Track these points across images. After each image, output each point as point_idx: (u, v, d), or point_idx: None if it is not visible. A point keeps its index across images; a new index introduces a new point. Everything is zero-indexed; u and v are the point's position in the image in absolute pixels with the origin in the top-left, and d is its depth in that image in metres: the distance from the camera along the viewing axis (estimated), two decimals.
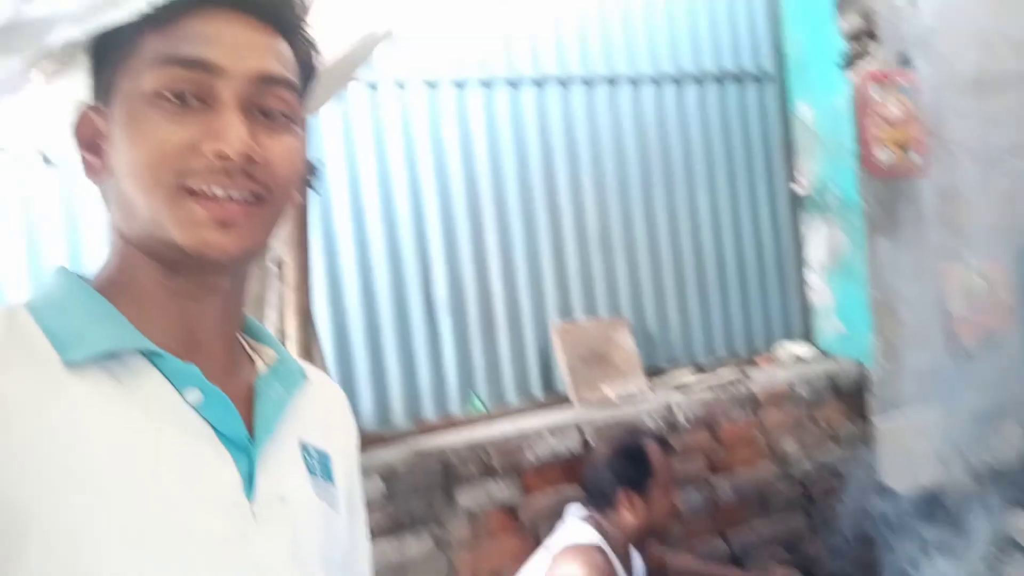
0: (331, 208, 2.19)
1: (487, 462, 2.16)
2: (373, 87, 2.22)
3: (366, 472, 1.98)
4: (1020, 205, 2.87)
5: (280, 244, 1.84)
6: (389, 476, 2.03)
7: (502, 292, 2.38)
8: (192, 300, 0.66)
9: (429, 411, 2.29)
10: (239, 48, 0.62)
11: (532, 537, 2.21)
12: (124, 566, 0.54)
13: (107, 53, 0.65)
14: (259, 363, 0.73)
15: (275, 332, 1.84)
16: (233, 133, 0.60)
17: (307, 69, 0.70)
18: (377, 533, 2.02)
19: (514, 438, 2.19)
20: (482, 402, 2.35)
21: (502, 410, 2.36)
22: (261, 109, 0.64)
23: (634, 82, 2.57)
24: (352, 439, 0.81)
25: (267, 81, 0.63)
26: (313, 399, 0.75)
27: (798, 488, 2.57)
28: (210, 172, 0.60)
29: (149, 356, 0.61)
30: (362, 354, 2.21)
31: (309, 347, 1.83)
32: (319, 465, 0.72)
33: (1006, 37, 2.83)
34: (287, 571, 0.64)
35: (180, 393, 0.61)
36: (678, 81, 2.64)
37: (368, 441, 2.15)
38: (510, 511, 2.19)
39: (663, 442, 2.01)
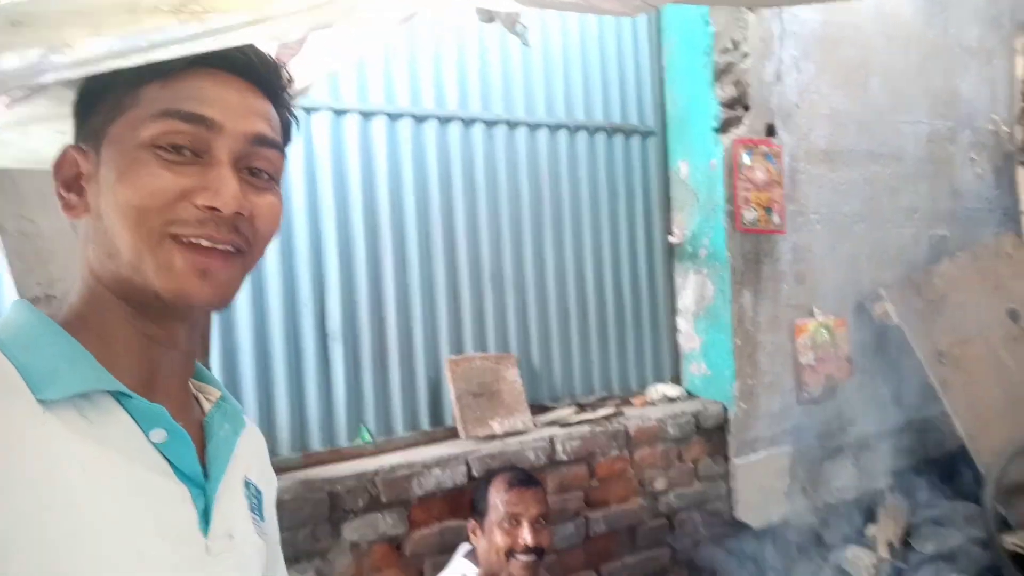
0: None
1: (374, 494, 2.24)
2: None
3: None
4: (860, 268, 3.36)
5: None
6: (276, 508, 2.07)
7: (396, 324, 2.48)
8: (157, 343, 0.71)
9: (316, 442, 2.34)
10: (237, 109, 0.69)
11: (416, 571, 2.31)
12: None
13: (101, 98, 0.69)
14: (203, 401, 0.80)
15: None
16: (227, 190, 0.66)
17: (287, 135, 0.78)
18: None
19: (402, 470, 2.28)
20: (371, 434, 2.43)
21: (390, 442, 2.45)
22: (249, 168, 0.70)
23: (531, 127, 2.79)
24: (273, 477, 0.90)
25: (259, 142, 0.71)
26: (249, 436, 0.83)
27: (664, 522, 2.84)
28: (199, 223, 0.66)
29: (117, 396, 0.66)
30: (251, 381, 2.23)
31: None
32: (255, 501, 0.81)
33: (854, 118, 3.34)
34: None
35: (144, 432, 0.66)
36: (571, 130, 2.89)
37: None
38: (395, 544, 2.29)
39: (515, 474, 2.07)
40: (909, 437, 3.51)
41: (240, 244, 0.69)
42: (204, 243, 0.66)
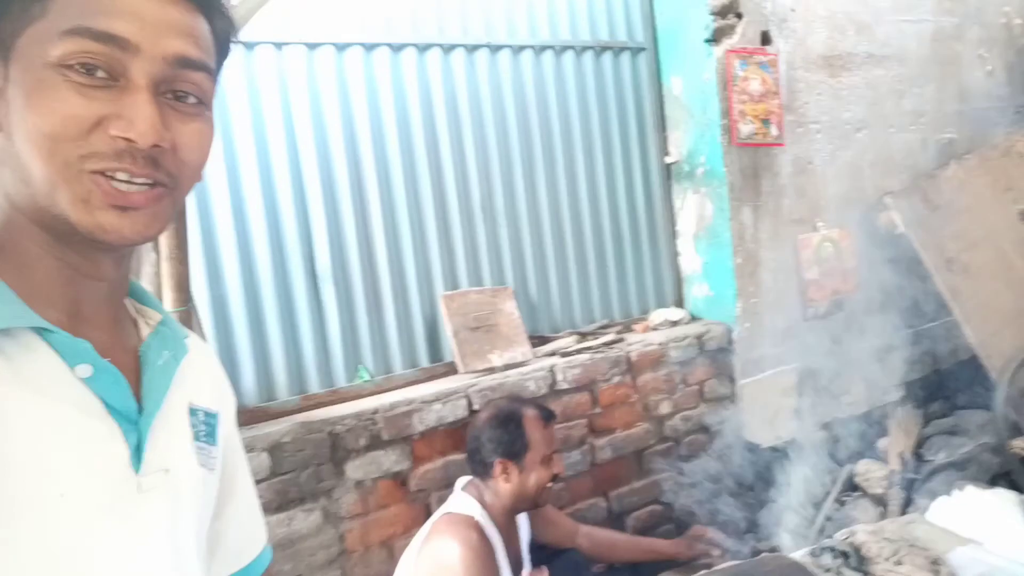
0: (206, 175, 2.19)
1: (375, 433, 2.27)
2: (249, 48, 2.23)
3: (251, 447, 2.05)
4: (863, 177, 3.30)
5: None
6: (275, 451, 2.10)
7: (387, 262, 2.47)
8: (81, 273, 0.67)
9: (315, 384, 2.36)
10: (156, 25, 0.63)
11: (422, 505, 2.36)
12: (13, 537, 0.57)
13: (7, 6, 0.62)
14: (143, 327, 0.76)
15: None
16: (143, 119, 0.61)
17: (224, 49, 0.71)
18: (265, 509, 2.10)
19: (402, 407, 2.31)
20: (369, 373, 2.45)
21: (389, 381, 2.47)
22: (173, 91, 0.65)
23: (514, 51, 2.72)
24: (229, 391, 0.88)
25: (183, 64, 0.64)
26: (194, 359, 0.80)
27: (671, 446, 2.87)
28: (115, 155, 0.61)
29: (39, 331, 0.62)
30: (243, 328, 2.24)
31: (188, 322, 1.86)
32: (205, 427, 0.78)
33: (853, 20, 3.23)
34: (167, 540, 0.69)
35: (70, 368, 0.63)
36: (557, 50, 2.81)
37: (253, 417, 2.21)
38: (399, 480, 2.33)
39: (543, 410, 2.12)
40: (918, 348, 3.50)
41: (161, 179, 0.64)
42: (121, 177, 0.61)
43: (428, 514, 2.35)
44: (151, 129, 0.61)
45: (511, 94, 2.72)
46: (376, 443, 2.28)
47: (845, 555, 1.69)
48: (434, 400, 2.37)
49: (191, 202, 2.12)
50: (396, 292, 2.50)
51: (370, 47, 2.44)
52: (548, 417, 2.11)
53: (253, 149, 2.25)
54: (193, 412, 0.77)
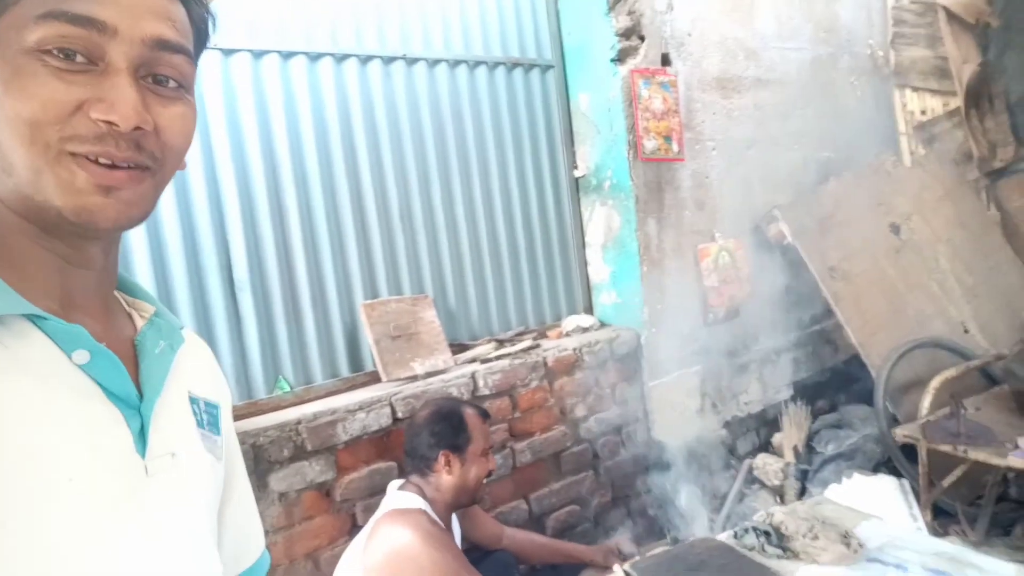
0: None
1: (299, 443, 2.24)
2: None
3: None
4: (754, 191, 3.55)
5: None
6: None
7: (306, 271, 2.46)
8: (70, 263, 0.67)
9: (234, 396, 2.31)
10: (134, 8, 0.62)
11: (347, 515, 2.35)
12: (20, 526, 0.56)
13: None
14: (137, 319, 0.77)
15: None
16: (124, 102, 0.61)
17: (201, 35, 0.72)
18: None
19: (325, 417, 2.29)
20: (289, 384, 2.42)
21: (310, 391, 2.45)
22: (152, 75, 0.65)
23: (430, 64, 2.78)
24: (226, 386, 0.89)
25: (162, 47, 0.64)
26: (192, 350, 0.81)
27: (586, 447, 2.98)
28: (96, 139, 0.61)
29: (33, 319, 0.62)
30: None
31: None
32: (207, 416, 0.79)
33: (743, 46, 3.49)
34: (177, 525, 0.69)
35: (67, 354, 0.63)
36: (470, 65, 2.89)
37: None
38: (324, 491, 2.30)
39: (480, 408, 2.22)
40: (806, 349, 3.79)
41: (143, 161, 0.64)
42: (104, 161, 0.61)
43: (354, 524, 2.34)
44: (133, 111, 0.61)
45: (427, 106, 2.77)
46: (300, 454, 2.25)
47: (767, 534, 1.83)
48: (358, 409, 2.36)
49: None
50: (315, 301, 2.49)
51: (287, 55, 2.44)
52: (484, 415, 2.21)
53: None
54: (193, 400, 0.77)
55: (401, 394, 2.45)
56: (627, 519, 3.04)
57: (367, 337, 2.53)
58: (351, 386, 2.53)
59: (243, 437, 2.14)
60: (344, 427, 2.32)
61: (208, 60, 2.28)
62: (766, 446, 3.55)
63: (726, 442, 3.43)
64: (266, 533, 2.11)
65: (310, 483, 2.27)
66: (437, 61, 2.79)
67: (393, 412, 2.43)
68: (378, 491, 2.34)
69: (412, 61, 2.73)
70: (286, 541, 2.22)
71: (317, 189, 2.50)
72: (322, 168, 2.51)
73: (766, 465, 3.32)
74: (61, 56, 0.60)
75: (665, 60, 3.17)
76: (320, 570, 2.26)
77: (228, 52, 2.32)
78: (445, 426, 2.11)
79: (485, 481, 2.17)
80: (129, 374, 0.67)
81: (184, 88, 0.68)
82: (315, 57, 2.50)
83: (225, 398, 0.86)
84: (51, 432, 0.60)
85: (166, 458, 0.69)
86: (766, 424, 3.61)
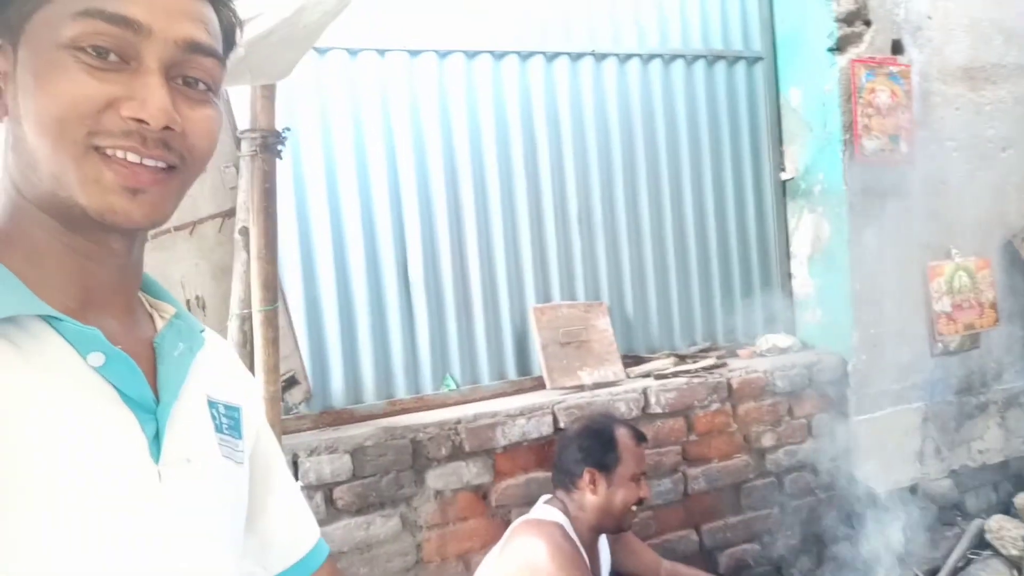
0: (304, 179, 2.26)
1: (458, 443, 2.25)
2: (352, 54, 2.29)
3: (334, 449, 2.08)
4: (1007, 200, 3.01)
5: (245, 212, 1.92)
6: (358, 454, 2.12)
7: (479, 272, 2.47)
8: (91, 259, 0.67)
9: (401, 390, 2.38)
10: (168, 10, 0.63)
11: (502, 521, 2.31)
12: (32, 528, 0.56)
13: None
14: (158, 320, 0.76)
15: (239, 303, 1.92)
16: (155, 100, 0.61)
17: (229, 40, 0.72)
18: (345, 512, 2.13)
19: (485, 419, 2.28)
20: (455, 383, 2.44)
21: (475, 391, 2.45)
22: (183, 77, 0.65)
23: (620, 59, 2.66)
24: (253, 386, 0.88)
25: (193, 49, 0.65)
26: (213, 353, 0.79)
27: (772, 481, 2.70)
28: (125, 136, 0.61)
29: (48, 319, 0.62)
30: (335, 331, 2.29)
31: (274, 318, 1.90)
32: (227, 420, 0.77)
33: (1001, 28, 2.96)
34: (190, 531, 0.67)
35: (82, 356, 0.63)
36: (666, 59, 2.73)
37: (339, 419, 2.25)
38: (480, 494, 2.29)
39: (636, 431, 2.08)
40: None
41: (171, 160, 0.64)
42: (130, 157, 0.62)
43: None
44: (163, 111, 0.62)
45: (615, 104, 2.66)
46: (458, 454, 2.25)
47: None
48: (519, 414, 2.32)
49: (289, 205, 2.19)
50: (487, 302, 2.49)
51: (471, 55, 2.45)
52: (640, 437, 2.07)
53: (352, 155, 2.31)
54: (212, 404, 0.76)
55: (564, 403, 2.37)
56: (816, 570, 2.71)
57: (535, 341, 2.47)
58: (517, 390, 2.50)
59: (404, 431, 2.19)
60: (503, 431, 2.30)
61: (394, 61, 2.35)
62: (1007, 507, 3.00)
63: (952, 496, 2.94)
64: (420, 528, 2.16)
65: (466, 484, 2.27)
66: (628, 56, 2.67)
67: (555, 421, 2.36)
68: (533, 500, 2.27)
69: (601, 57, 2.63)
70: (439, 539, 2.23)
71: (495, 189, 2.49)
72: (501, 167, 2.50)
73: (1003, 529, 2.80)
74: (94, 54, 0.60)
75: (896, 47, 2.78)
76: (470, 572, 2.25)
77: (414, 53, 2.38)
78: (594, 442, 2.01)
79: (635, 508, 2.02)
80: (146, 376, 0.67)
81: (212, 92, 0.69)
82: (499, 55, 2.49)
83: (252, 398, 0.85)
84: (63, 435, 0.59)
85: (180, 464, 0.68)
86: (1008, 479, 3.06)
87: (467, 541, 2.28)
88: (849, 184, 2.72)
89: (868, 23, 2.72)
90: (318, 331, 2.29)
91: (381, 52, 2.33)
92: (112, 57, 0.61)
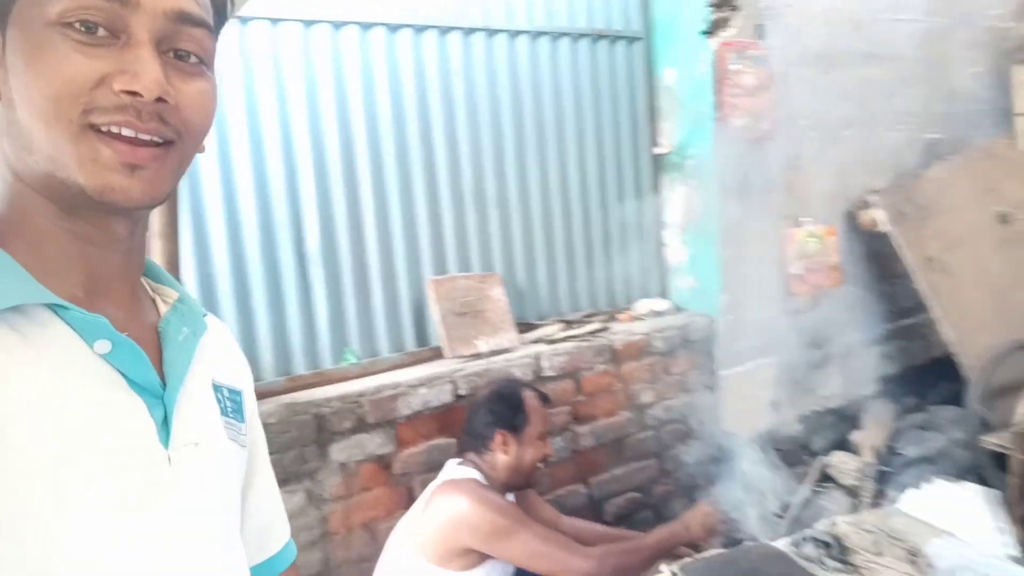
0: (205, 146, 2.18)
1: (360, 415, 2.30)
2: (243, 23, 2.21)
3: None
4: (850, 174, 3.36)
5: None
6: None
7: (376, 245, 2.49)
8: (93, 244, 0.66)
9: (300, 366, 2.38)
10: None
11: (405, 489, 2.40)
12: (44, 518, 0.56)
13: None
14: (161, 305, 0.76)
15: None
16: (147, 72, 0.60)
17: (220, 11, 0.71)
18: None
19: (388, 391, 2.34)
20: (355, 356, 2.47)
21: (375, 364, 2.49)
22: (174, 50, 0.64)
23: (511, 35, 2.72)
24: (248, 371, 0.88)
25: (184, 20, 0.64)
26: (214, 337, 0.80)
27: (651, 435, 2.93)
28: (119, 110, 0.60)
29: (53, 307, 0.62)
30: (230, 308, 2.25)
31: None
32: (231, 404, 0.78)
33: (849, 18, 3.27)
34: (200, 514, 0.69)
35: (88, 344, 0.63)
36: (553, 36, 2.82)
37: None
38: (383, 464, 2.36)
39: (540, 393, 2.22)
40: (895, 344, 3.59)
41: (167, 134, 0.63)
42: (126, 132, 0.61)
43: (411, 498, 2.39)
44: (155, 82, 0.61)
45: (506, 79, 2.73)
46: (361, 426, 2.30)
47: (827, 545, 1.76)
48: (420, 384, 2.40)
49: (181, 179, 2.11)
50: (384, 275, 2.52)
51: (366, 26, 2.43)
52: (544, 398, 2.21)
53: (245, 126, 2.25)
54: (217, 388, 0.77)
55: (463, 371, 2.47)
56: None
57: (433, 313, 2.54)
58: (415, 361, 2.56)
59: (306, 407, 2.21)
60: (406, 402, 2.36)
61: (288, 31, 2.29)
62: (844, 444, 3.41)
63: (801, 437, 3.31)
64: (325, 502, 2.19)
65: (370, 455, 2.32)
66: (518, 33, 2.74)
67: (455, 389, 2.45)
68: (436, 467, 2.37)
69: (492, 33, 2.68)
70: (344, 510, 2.29)
71: (391, 162, 2.51)
72: (396, 140, 2.51)
73: (842, 464, 3.19)
74: (83, 29, 0.59)
75: (759, 32, 3.00)
76: (376, 540, 2.32)
77: (308, 23, 2.33)
78: (504, 406, 2.12)
79: (541, 466, 2.17)
80: (152, 361, 0.67)
81: (205, 64, 0.68)
82: (394, 28, 2.48)
83: (248, 383, 0.86)
84: (73, 423, 0.60)
85: (189, 447, 0.69)
86: (845, 421, 3.46)
87: (371, 510, 2.35)
88: (718, 159, 2.94)
89: (735, 8, 2.92)
90: (212, 309, 2.23)
91: (274, 21, 2.26)
92: (101, 32, 0.60)
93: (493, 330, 2.60)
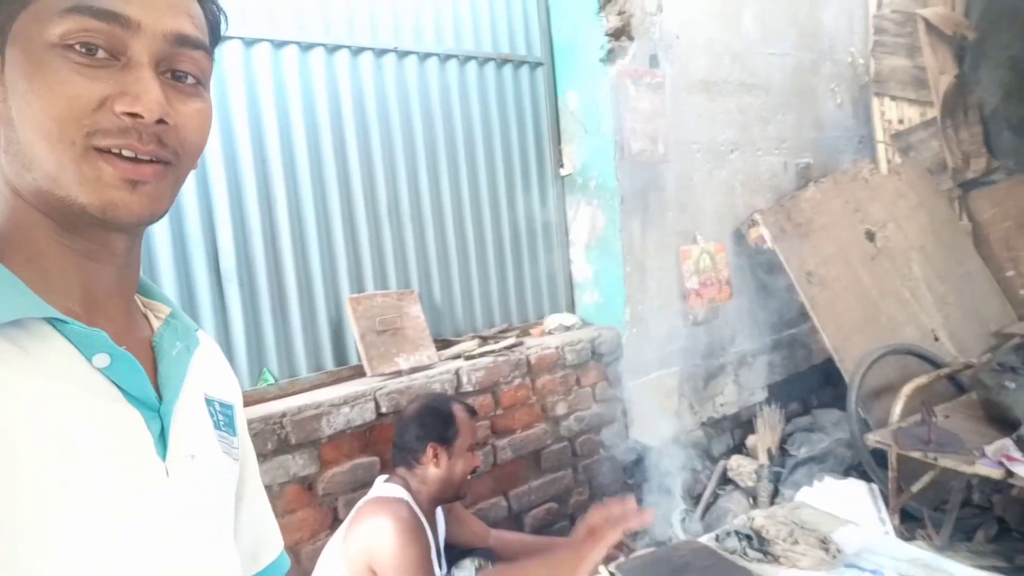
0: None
1: (283, 436, 2.26)
2: None
3: None
4: (735, 194, 3.63)
5: None
6: None
7: (293, 263, 2.47)
8: (91, 259, 0.67)
9: None
10: (155, 5, 0.64)
11: (329, 509, 2.37)
12: (44, 530, 0.57)
13: None
14: (153, 320, 0.77)
15: None
16: (148, 94, 0.62)
17: (215, 33, 0.73)
18: None
19: (310, 411, 2.31)
20: (274, 377, 2.43)
21: (294, 384, 2.46)
22: (172, 71, 0.66)
23: (420, 57, 2.79)
24: (238, 385, 0.90)
25: (183, 43, 0.65)
26: (206, 352, 0.81)
27: (566, 445, 3.02)
28: (120, 132, 0.61)
29: (52, 322, 0.62)
30: None
31: None
32: (223, 417, 0.80)
33: (728, 49, 3.55)
34: (197, 526, 0.70)
35: (86, 358, 0.63)
36: (461, 60, 2.91)
37: None
38: (306, 485, 2.32)
39: (468, 406, 2.27)
40: (782, 353, 3.88)
41: (165, 156, 0.65)
42: (126, 154, 0.62)
43: (335, 518, 2.36)
44: (156, 104, 0.62)
45: (417, 100, 2.79)
46: (283, 447, 2.26)
47: (748, 537, 1.89)
48: (342, 403, 2.38)
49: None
50: (302, 294, 2.50)
51: (279, 44, 2.44)
52: (472, 411, 2.26)
53: None
54: (209, 402, 0.78)
55: (385, 389, 2.47)
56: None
57: (352, 331, 2.54)
58: (336, 380, 2.55)
59: None
60: (328, 421, 2.34)
61: None
62: (741, 448, 3.64)
63: (702, 443, 3.50)
64: None
65: (293, 477, 2.29)
66: (428, 55, 2.81)
67: (377, 407, 2.45)
68: (360, 485, 2.37)
69: (403, 54, 2.74)
70: None
71: (306, 180, 2.50)
72: (311, 159, 2.51)
73: (740, 467, 3.40)
74: (83, 51, 0.61)
75: (653, 61, 3.22)
76: (301, 563, 2.28)
77: (220, 40, 2.30)
78: (434, 419, 2.15)
79: (470, 477, 2.20)
80: (147, 374, 0.68)
81: (202, 85, 0.69)
82: (306, 47, 2.50)
83: (237, 397, 0.87)
84: (71, 436, 0.60)
85: (185, 460, 0.70)
86: (741, 426, 3.70)
87: (296, 532, 2.30)
88: (620, 180, 3.10)
89: (632, 38, 3.12)
90: None
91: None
92: (101, 54, 0.61)
93: (413, 347, 2.63)
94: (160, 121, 0.63)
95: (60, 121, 0.60)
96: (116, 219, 0.63)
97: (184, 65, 0.66)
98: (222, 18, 0.74)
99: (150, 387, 0.68)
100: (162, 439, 0.68)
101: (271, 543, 0.92)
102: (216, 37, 0.73)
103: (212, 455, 0.75)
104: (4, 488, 0.55)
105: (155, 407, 0.68)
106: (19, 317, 0.59)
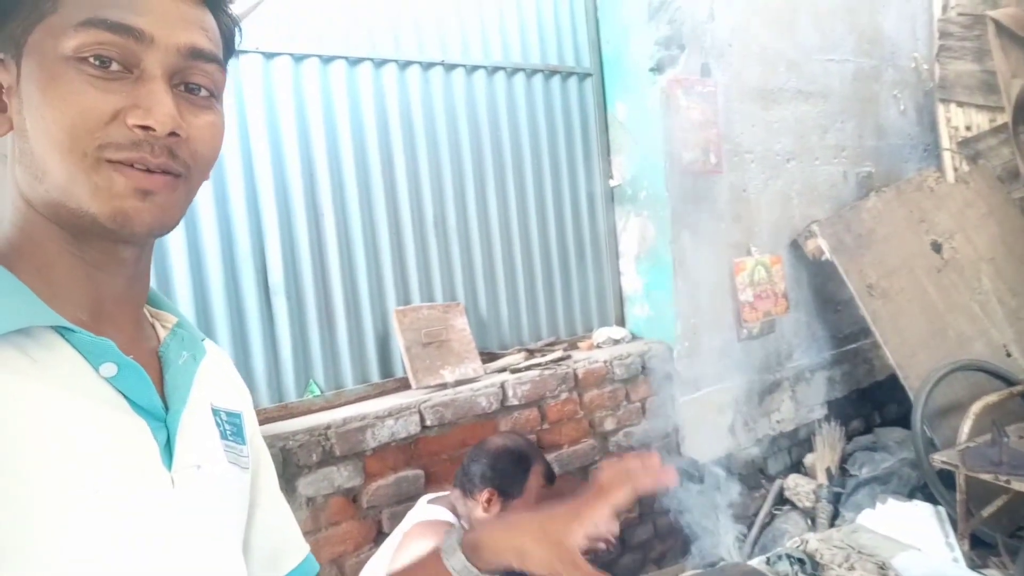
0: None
1: (327, 448, 2.27)
2: None
3: None
4: (792, 204, 3.53)
5: None
6: None
7: (340, 277, 2.49)
8: (101, 269, 0.68)
9: (264, 399, 2.35)
10: (169, 18, 0.64)
11: (373, 522, 2.37)
12: (50, 537, 0.57)
13: (17, 3, 0.63)
14: (160, 330, 0.77)
15: None
16: (160, 107, 0.62)
17: (229, 45, 0.73)
18: None
19: (355, 423, 2.32)
20: (320, 388, 2.45)
21: (340, 396, 2.48)
22: (185, 84, 0.66)
23: (468, 70, 2.80)
24: (248, 393, 0.90)
25: (196, 56, 0.66)
26: (212, 361, 0.81)
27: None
28: (133, 145, 0.62)
29: (60, 331, 0.63)
30: None
31: None
32: (230, 427, 0.79)
33: (783, 57, 3.47)
34: (203, 536, 0.69)
35: (94, 367, 0.64)
36: (508, 72, 2.92)
37: None
38: (351, 497, 2.33)
39: (550, 472, 2.06)
40: (842, 368, 3.75)
41: (177, 169, 0.65)
42: (137, 167, 0.63)
43: (379, 531, 2.36)
44: (169, 116, 0.63)
45: (464, 113, 2.80)
46: (328, 459, 2.28)
47: (801, 562, 1.82)
48: (387, 415, 2.39)
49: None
50: (348, 306, 2.53)
51: (327, 59, 2.48)
52: (550, 479, 2.06)
53: None
54: (216, 412, 0.78)
55: (430, 402, 2.47)
56: (654, 537, 3.03)
57: (398, 343, 2.55)
58: (381, 392, 2.56)
59: (272, 440, 2.17)
60: (373, 433, 2.35)
61: (249, 63, 2.32)
62: (798, 466, 3.52)
63: (757, 461, 3.40)
64: None
65: (337, 488, 2.30)
66: (475, 68, 2.82)
67: (422, 419, 2.45)
68: (405, 498, 2.37)
69: (450, 67, 2.76)
70: (312, 545, 2.21)
71: (353, 194, 2.53)
72: (359, 173, 2.54)
73: (797, 486, 3.29)
74: (97, 63, 0.61)
75: (705, 70, 3.17)
76: (344, 575, 2.29)
77: (269, 55, 2.36)
78: (508, 467, 1.97)
79: None
80: (154, 384, 0.69)
81: (215, 97, 0.70)
82: (354, 62, 2.53)
83: (247, 405, 0.87)
84: (78, 444, 0.61)
85: (191, 470, 0.70)
86: (798, 444, 3.59)
87: (340, 545, 2.31)
88: (670, 191, 3.06)
89: (682, 47, 3.07)
90: None
91: (236, 55, 2.28)
92: (114, 67, 0.62)
93: (458, 360, 2.62)
94: (172, 134, 0.63)
95: (72, 133, 0.61)
96: (126, 229, 0.64)
97: (197, 78, 0.67)
98: (236, 31, 0.75)
99: (157, 397, 0.68)
100: (168, 449, 0.68)
101: (292, 550, 0.91)
102: (230, 50, 0.74)
103: (218, 465, 0.75)
104: (6, 490, 0.55)
105: (161, 417, 0.68)
106: (27, 325, 0.60)
